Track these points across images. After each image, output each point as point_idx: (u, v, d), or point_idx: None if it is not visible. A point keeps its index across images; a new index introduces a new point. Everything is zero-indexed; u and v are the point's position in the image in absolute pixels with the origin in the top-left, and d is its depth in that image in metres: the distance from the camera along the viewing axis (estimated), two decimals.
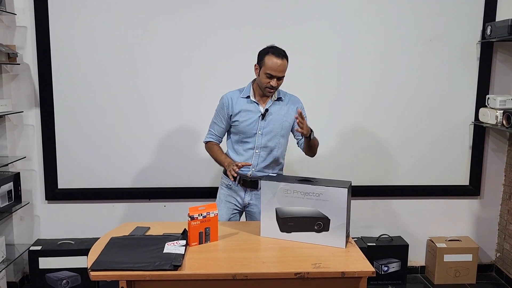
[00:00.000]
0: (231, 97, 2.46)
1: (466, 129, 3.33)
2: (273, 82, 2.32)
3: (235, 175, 2.29)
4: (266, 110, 2.42)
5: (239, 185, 2.50)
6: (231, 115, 2.45)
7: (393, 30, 3.17)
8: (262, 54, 2.36)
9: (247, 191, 2.51)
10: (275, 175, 2.45)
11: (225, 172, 2.54)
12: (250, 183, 2.48)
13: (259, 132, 2.42)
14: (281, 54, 2.33)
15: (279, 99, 2.47)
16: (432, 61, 3.22)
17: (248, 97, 2.44)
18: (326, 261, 1.90)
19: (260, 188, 2.40)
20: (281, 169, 2.58)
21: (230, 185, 2.52)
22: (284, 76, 2.37)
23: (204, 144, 2.58)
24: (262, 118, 2.42)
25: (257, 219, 2.49)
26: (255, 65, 2.41)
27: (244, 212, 2.60)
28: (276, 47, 2.37)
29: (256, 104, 2.44)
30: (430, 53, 3.21)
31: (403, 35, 3.18)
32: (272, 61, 2.30)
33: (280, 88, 2.47)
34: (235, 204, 2.54)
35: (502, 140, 3.38)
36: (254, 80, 2.47)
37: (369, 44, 3.17)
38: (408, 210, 3.41)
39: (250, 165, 2.37)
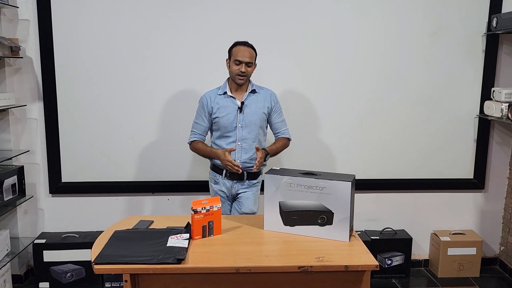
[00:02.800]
0: (209, 96, 2.59)
1: (471, 122, 3.30)
2: (242, 68, 2.47)
3: (240, 170, 2.44)
4: (242, 102, 2.54)
5: (225, 178, 2.60)
6: (212, 113, 2.56)
7: (397, 22, 3.14)
8: (230, 48, 2.56)
9: (234, 182, 2.61)
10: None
11: (212, 168, 2.67)
12: (237, 176, 2.58)
13: (239, 125, 2.54)
14: (246, 43, 2.54)
15: (253, 91, 2.58)
16: (437, 54, 3.19)
17: (225, 93, 2.56)
18: (330, 254, 1.89)
19: (246, 179, 2.59)
20: None
21: (217, 180, 2.63)
22: (252, 63, 2.52)
23: (188, 145, 2.67)
24: (240, 111, 2.53)
25: (247, 206, 2.61)
26: (226, 60, 2.56)
27: (233, 202, 2.69)
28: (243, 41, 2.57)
29: (233, 98, 2.55)
30: (435, 46, 3.18)
31: (407, 27, 3.15)
32: (238, 48, 2.51)
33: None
34: (225, 197, 2.65)
35: (507, 133, 3.36)
36: (229, 77, 2.59)
37: (373, 36, 3.14)
38: (412, 203, 3.40)
39: (235, 149, 2.50)
